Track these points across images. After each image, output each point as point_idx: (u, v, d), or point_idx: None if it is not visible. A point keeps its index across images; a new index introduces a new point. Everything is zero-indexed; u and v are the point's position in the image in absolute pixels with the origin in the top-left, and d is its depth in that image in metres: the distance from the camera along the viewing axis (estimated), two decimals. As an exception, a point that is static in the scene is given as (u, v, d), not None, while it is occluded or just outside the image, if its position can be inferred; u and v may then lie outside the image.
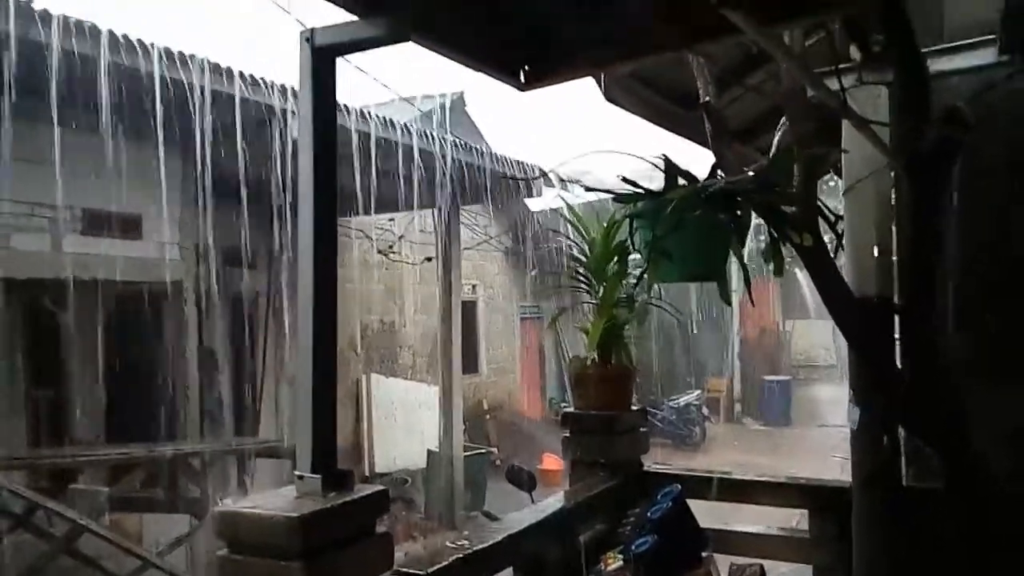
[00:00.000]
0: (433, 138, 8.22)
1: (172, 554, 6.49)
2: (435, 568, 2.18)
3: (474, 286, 15.01)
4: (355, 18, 1.94)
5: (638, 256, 2.01)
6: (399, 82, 18.65)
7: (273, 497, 1.93)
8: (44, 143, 5.53)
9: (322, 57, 2.01)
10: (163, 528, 6.63)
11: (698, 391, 16.65)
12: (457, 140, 8.82)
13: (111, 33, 5.35)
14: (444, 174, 8.34)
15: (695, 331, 18.85)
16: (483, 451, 11.89)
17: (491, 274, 15.75)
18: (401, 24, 1.95)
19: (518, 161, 9.48)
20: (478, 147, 9.34)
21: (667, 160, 2.05)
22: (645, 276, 1.97)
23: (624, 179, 1.97)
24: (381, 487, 1.99)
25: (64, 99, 5.25)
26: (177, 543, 6.53)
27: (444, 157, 8.29)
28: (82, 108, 5.43)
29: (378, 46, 2.00)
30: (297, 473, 1.94)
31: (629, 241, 2.03)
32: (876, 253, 2.60)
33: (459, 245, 10.80)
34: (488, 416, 14.37)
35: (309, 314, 1.98)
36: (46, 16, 5.05)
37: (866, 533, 2.67)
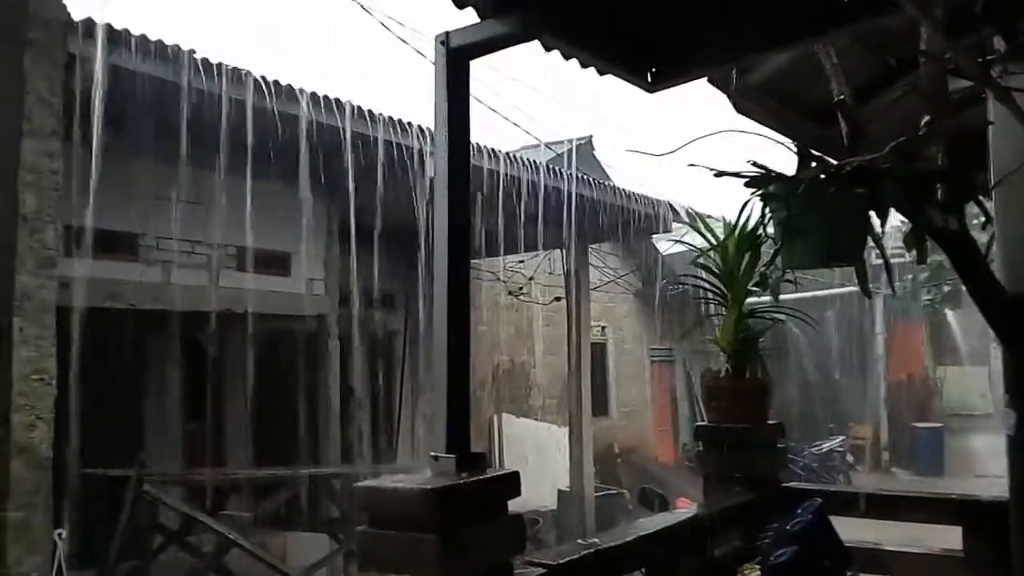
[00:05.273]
0: (561, 174, 8.32)
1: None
2: (565, 560, 2.19)
3: (603, 328, 14.92)
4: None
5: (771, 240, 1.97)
6: (531, 130, 19.02)
7: (410, 476, 2.01)
8: (203, 185, 5.96)
9: (456, 59, 2.11)
10: (305, 549, 6.86)
11: (842, 437, 15.73)
12: (585, 176, 8.89)
13: (263, 79, 5.71)
14: (574, 211, 8.40)
15: (837, 376, 17.97)
16: (615, 492, 11.70)
17: (620, 316, 15.62)
18: (531, 22, 2.04)
19: (646, 196, 9.46)
20: (605, 183, 9.40)
21: (799, 145, 2.03)
22: (779, 257, 1.93)
23: (755, 163, 1.96)
24: (512, 469, 2.03)
25: (219, 143, 5.61)
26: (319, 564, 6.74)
27: (572, 194, 8.37)
28: (236, 152, 5.82)
29: (509, 44, 2.09)
30: (432, 454, 2.01)
31: (762, 229, 2.01)
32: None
33: (587, 286, 10.81)
34: (619, 459, 14.14)
35: (444, 304, 2.07)
36: (208, 65, 5.39)
37: (1026, 554, 2.46)
